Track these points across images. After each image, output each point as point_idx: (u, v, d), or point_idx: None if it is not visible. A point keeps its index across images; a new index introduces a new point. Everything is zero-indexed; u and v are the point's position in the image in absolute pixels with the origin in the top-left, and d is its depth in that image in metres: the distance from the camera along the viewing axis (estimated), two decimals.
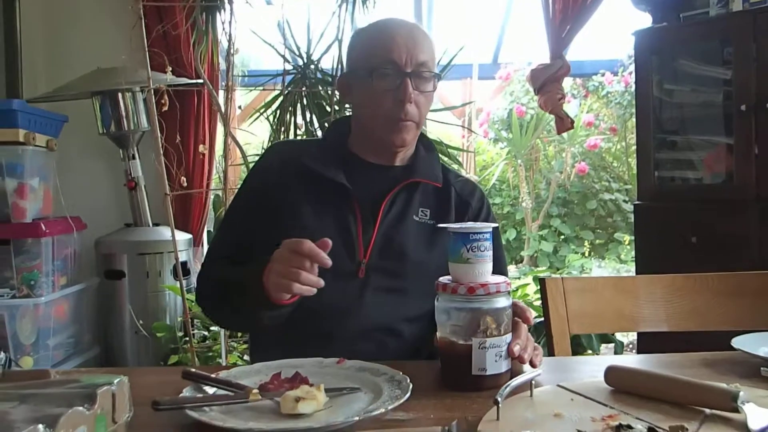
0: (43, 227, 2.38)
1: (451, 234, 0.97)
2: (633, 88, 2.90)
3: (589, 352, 2.74)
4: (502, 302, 0.94)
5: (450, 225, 1.00)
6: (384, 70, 1.23)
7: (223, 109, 2.74)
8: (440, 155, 2.59)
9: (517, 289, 3.01)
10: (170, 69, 2.67)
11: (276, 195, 1.27)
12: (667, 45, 2.65)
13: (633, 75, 2.82)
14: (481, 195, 1.37)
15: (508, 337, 0.95)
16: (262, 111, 2.81)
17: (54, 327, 2.43)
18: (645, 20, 2.74)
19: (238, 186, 1.45)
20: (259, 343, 1.32)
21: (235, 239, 1.30)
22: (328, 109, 2.65)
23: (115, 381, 0.76)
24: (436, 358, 1.27)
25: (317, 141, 1.42)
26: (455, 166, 2.66)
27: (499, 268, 1.30)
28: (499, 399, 0.79)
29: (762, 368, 0.83)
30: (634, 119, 2.81)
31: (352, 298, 1.20)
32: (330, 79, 2.66)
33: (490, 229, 0.98)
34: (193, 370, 0.98)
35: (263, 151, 1.39)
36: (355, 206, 1.24)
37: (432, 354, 1.26)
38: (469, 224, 0.99)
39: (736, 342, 1.01)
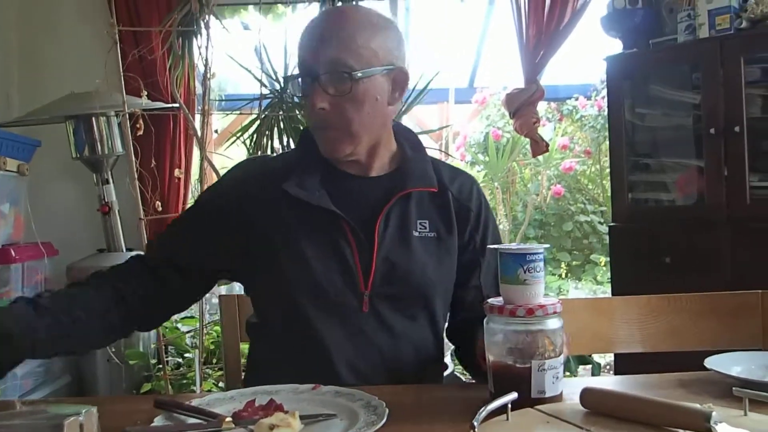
0: (13, 253, 2.34)
1: (506, 255, 0.95)
2: (606, 112, 2.95)
3: (567, 373, 2.75)
4: (557, 323, 0.93)
5: (503, 246, 0.98)
6: (299, 72, 1.12)
7: (199, 133, 2.73)
8: None
9: None
10: (146, 93, 2.65)
11: (256, 219, 1.14)
12: (638, 70, 2.71)
13: (606, 99, 2.87)
14: (479, 194, 1.25)
15: (563, 358, 0.93)
16: (238, 135, 2.80)
17: None
18: (616, 46, 2.80)
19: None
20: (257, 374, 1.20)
21: (172, 254, 1.16)
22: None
23: (83, 411, 0.74)
24: (439, 378, 1.24)
25: (291, 156, 1.24)
26: None
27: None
28: (476, 423, 0.78)
29: (734, 388, 0.84)
30: (607, 142, 2.85)
31: (358, 336, 1.10)
32: None
33: (543, 250, 0.95)
34: (166, 398, 0.96)
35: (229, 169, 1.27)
36: (346, 229, 1.12)
37: (436, 374, 1.22)
38: (525, 245, 0.96)
39: (709, 362, 1.02)
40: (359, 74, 1.08)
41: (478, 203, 1.24)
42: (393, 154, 1.21)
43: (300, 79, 1.13)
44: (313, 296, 1.11)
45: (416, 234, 1.15)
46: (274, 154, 1.33)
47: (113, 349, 2.63)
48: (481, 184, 5.40)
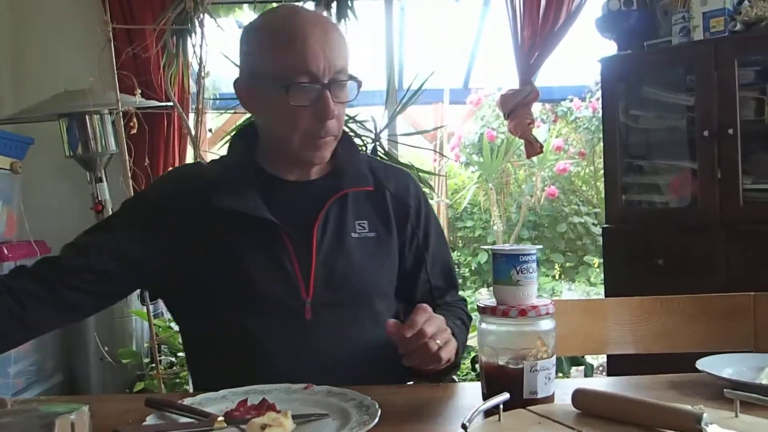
0: (6, 251, 2.33)
1: (499, 256, 0.95)
2: (600, 114, 2.96)
3: (559, 374, 2.75)
4: (550, 324, 0.93)
5: (497, 247, 0.99)
6: (300, 84, 1.05)
7: (193, 132, 2.72)
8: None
9: None
10: (140, 91, 2.65)
11: (180, 238, 1.10)
12: (633, 72, 2.72)
13: (600, 101, 2.88)
14: (416, 189, 1.24)
15: (554, 359, 0.93)
16: (233, 134, 2.79)
17: (15, 354, 2.36)
18: (611, 48, 2.81)
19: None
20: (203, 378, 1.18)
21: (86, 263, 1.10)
22: None
23: (75, 410, 0.74)
24: (404, 378, 1.22)
25: (222, 164, 1.18)
26: (427, 190, 2.67)
27: (449, 268, 1.28)
28: (468, 423, 0.78)
29: (725, 390, 0.84)
30: (601, 144, 2.86)
31: (303, 343, 1.08)
32: None
33: (536, 251, 0.95)
34: (157, 397, 0.95)
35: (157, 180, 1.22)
36: (285, 238, 1.09)
37: (399, 375, 1.17)
38: (518, 246, 0.96)
39: (701, 364, 1.02)
40: (359, 80, 1.10)
41: (417, 199, 1.23)
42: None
43: (291, 87, 1.06)
44: (255, 309, 1.10)
45: (355, 235, 1.14)
46: (210, 161, 1.28)
47: (106, 348, 2.63)
48: (475, 185, 5.37)
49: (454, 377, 2.70)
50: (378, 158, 2.46)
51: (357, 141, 2.55)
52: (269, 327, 1.09)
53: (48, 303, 1.07)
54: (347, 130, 2.57)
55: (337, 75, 1.07)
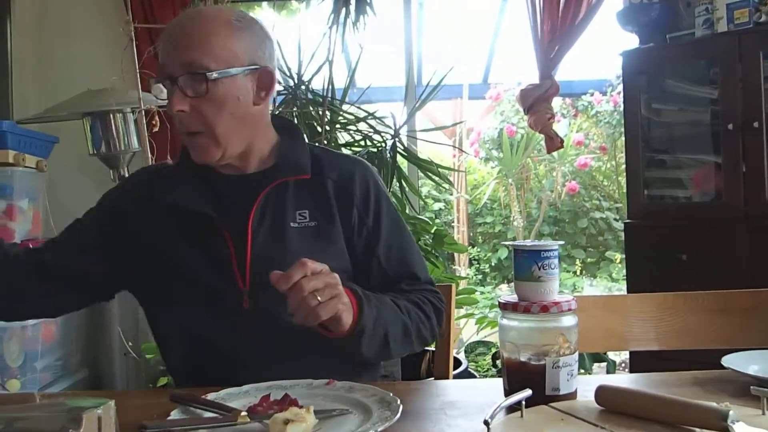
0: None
1: (521, 252, 0.95)
2: (622, 108, 2.93)
3: (582, 371, 2.74)
4: (572, 320, 0.93)
5: (518, 242, 0.97)
6: (160, 76, 1.11)
7: None
8: (430, 174, 2.61)
9: None
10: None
11: (131, 232, 1.17)
12: (655, 65, 2.69)
13: (621, 95, 2.85)
14: (364, 177, 1.20)
15: (576, 355, 0.93)
16: None
17: (41, 349, 2.40)
18: (632, 41, 2.77)
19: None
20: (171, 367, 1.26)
21: (66, 250, 1.19)
22: (319, 129, 2.65)
23: (102, 404, 0.75)
24: (346, 368, 1.16)
25: (172, 164, 1.26)
26: (446, 186, 2.66)
27: (407, 257, 1.22)
28: (490, 420, 0.78)
29: (752, 387, 0.83)
30: (623, 138, 2.83)
31: (247, 334, 1.10)
32: (321, 100, 2.67)
33: (558, 247, 0.95)
34: (182, 392, 0.97)
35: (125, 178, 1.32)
36: (223, 231, 1.12)
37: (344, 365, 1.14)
38: (539, 242, 0.96)
39: (726, 361, 1.01)
40: (215, 74, 1.08)
41: (364, 186, 1.20)
42: (272, 148, 1.20)
43: (161, 84, 1.12)
44: (197, 301, 1.12)
45: (294, 225, 1.14)
46: (165, 162, 1.34)
47: (130, 344, 2.66)
48: (495, 181, 5.37)
49: (476, 373, 2.68)
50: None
51: (376, 137, 2.55)
52: (211, 317, 1.12)
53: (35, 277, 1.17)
54: (366, 126, 2.58)
55: (188, 68, 1.08)
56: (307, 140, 1.27)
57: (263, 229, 1.14)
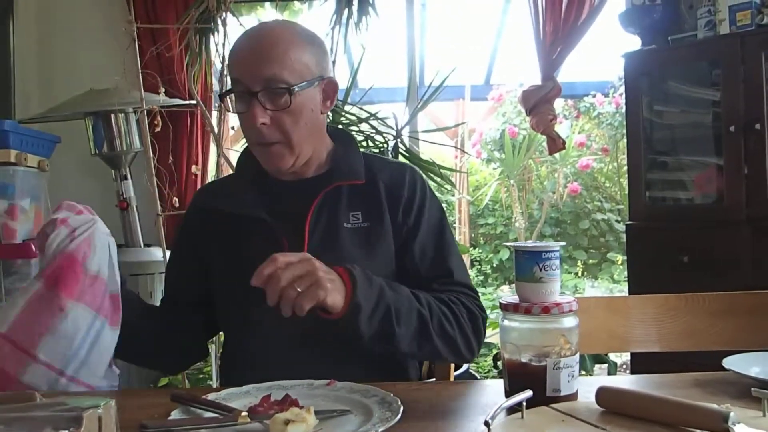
0: (34, 248, 2.36)
1: (522, 252, 0.95)
2: (624, 109, 2.93)
3: (583, 372, 2.74)
4: (573, 321, 0.93)
5: (519, 243, 0.97)
6: (235, 90, 1.16)
7: (216, 130, 2.75)
8: (432, 175, 2.60)
9: None
10: (163, 90, 2.68)
11: (203, 243, 1.25)
12: (657, 67, 2.69)
13: (623, 96, 2.85)
14: (413, 181, 1.25)
15: (578, 357, 0.92)
16: None
17: None
18: (634, 43, 2.77)
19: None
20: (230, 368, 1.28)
21: (181, 284, 1.30)
22: None
23: (102, 404, 0.75)
24: (411, 371, 1.24)
25: (229, 176, 1.37)
26: (448, 187, 2.66)
27: (441, 259, 1.22)
28: (490, 421, 0.78)
29: (753, 389, 0.83)
30: (625, 140, 2.83)
31: (299, 331, 1.10)
32: None
33: (559, 248, 0.95)
34: (182, 392, 0.97)
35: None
36: (280, 235, 1.17)
37: (398, 367, 1.22)
38: (541, 243, 0.96)
39: (728, 362, 1.01)
40: (295, 88, 1.13)
41: (412, 189, 1.24)
42: (328, 154, 1.26)
43: (234, 96, 1.17)
44: (256, 302, 1.10)
45: (347, 226, 1.19)
46: (223, 177, 1.44)
47: None
48: (496, 182, 5.36)
49: (477, 374, 2.68)
50: (388, 156, 2.45)
51: (378, 138, 2.55)
52: (271, 323, 1.12)
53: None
54: (368, 127, 2.58)
55: (268, 83, 1.13)
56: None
57: (318, 231, 1.18)
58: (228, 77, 1.23)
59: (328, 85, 1.21)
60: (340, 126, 2.54)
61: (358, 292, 1.03)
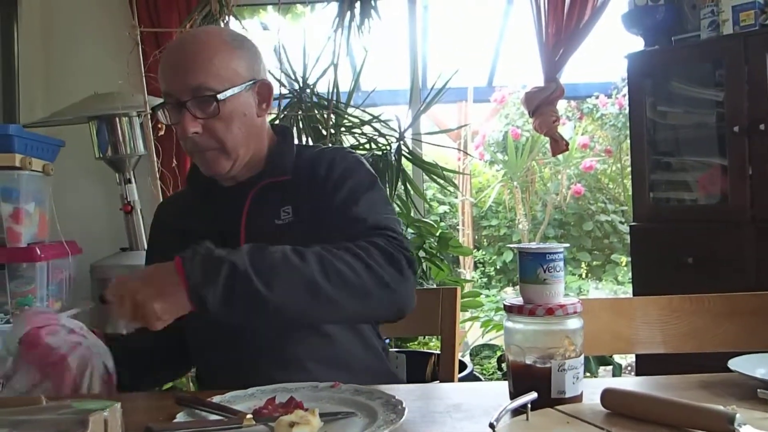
0: (38, 252, 2.37)
1: (526, 254, 0.95)
2: (627, 110, 2.92)
3: (588, 374, 2.73)
4: (577, 323, 0.92)
5: (523, 245, 0.98)
6: (167, 102, 1.16)
7: None
8: (435, 177, 2.60)
9: None
10: None
11: (163, 257, 1.20)
12: (660, 68, 2.68)
13: (627, 97, 2.84)
14: (332, 159, 1.21)
15: (582, 358, 0.92)
16: None
17: None
18: (637, 43, 2.77)
19: None
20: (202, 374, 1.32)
21: None
22: (324, 132, 2.66)
23: (108, 407, 0.76)
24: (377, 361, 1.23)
25: (185, 187, 1.36)
26: (451, 189, 2.66)
27: (360, 212, 1.14)
28: (495, 423, 0.78)
29: (759, 390, 0.82)
30: (628, 141, 2.82)
31: (241, 334, 1.13)
32: (326, 103, 2.68)
33: (563, 249, 0.94)
34: (187, 395, 0.97)
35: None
36: (222, 242, 1.09)
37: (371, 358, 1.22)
38: (544, 245, 0.96)
39: (733, 363, 1.00)
40: (222, 96, 1.13)
41: (330, 166, 1.20)
42: (265, 154, 1.25)
43: (165, 108, 1.17)
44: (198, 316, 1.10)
45: (279, 222, 1.18)
46: (179, 191, 1.54)
47: None
48: (500, 184, 5.32)
49: (481, 376, 2.67)
50: (391, 158, 2.45)
51: (381, 140, 2.55)
52: (214, 331, 1.16)
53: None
54: (371, 129, 2.59)
55: (196, 92, 1.13)
56: (311, 143, 1.30)
57: (253, 233, 1.17)
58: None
59: (262, 87, 1.20)
60: (342, 129, 2.55)
61: (193, 282, 0.97)
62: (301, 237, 1.12)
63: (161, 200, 2.53)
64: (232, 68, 1.15)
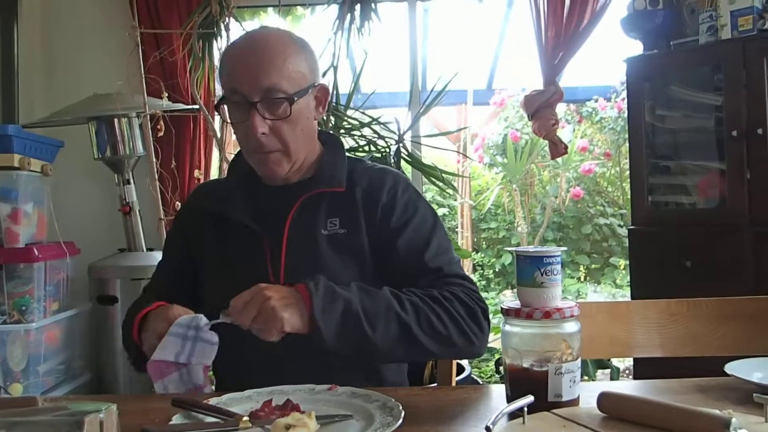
0: (36, 252, 2.37)
1: (523, 257, 0.95)
2: (626, 114, 2.93)
3: (585, 377, 2.73)
4: (575, 326, 0.93)
5: (521, 248, 0.97)
6: (232, 100, 1.16)
7: (218, 135, 2.76)
8: (434, 179, 2.60)
9: None
10: (166, 95, 2.68)
11: (193, 240, 1.27)
12: (659, 72, 2.69)
13: (626, 101, 2.85)
14: (393, 185, 1.23)
15: (579, 362, 0.92)
16: None
17: (45, 353, 2.41)
18: (636, 47, 2.77)
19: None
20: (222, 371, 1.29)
21: (168, 279, 1.32)
22: None
23: (104, 408, 0.75)
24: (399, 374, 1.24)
25: (222, 179, 1.40)
26: (450, 191, 2.66)
27: (425, 256, 1.18)
28: (492, 426, 0.78)
29: (755, 394, 0.82)
30: (627, 144, 2.83)
31: (284, 341, 1.09)
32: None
33: (560, 253, 0.95)
34: (184, 397, 0.97)
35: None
36: (262, 239, 1.19)
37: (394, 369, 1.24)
38: (542, 248, 0.96)
39: (729, 368, 1.00)
40: (295, 98, 1.15)
41: (392, 192, 1.22)
42: (316, 159, 1.27)
43: (228, 105, 1.18)
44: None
45: (325, 232, 1.19)
46: (216, 178, 1.44)
47: None
48: (499, 187, 5.34)
49: (479, 379, 2.66)
50: (390, 161, 2.46)
51: (380, 142, 2.55)
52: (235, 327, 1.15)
53: None
54: (370, 132, 2.58)
55: (268, 93, 1.14)
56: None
57: (297, 237, 1.19)
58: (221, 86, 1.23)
59: (320, 91, 1.22)
60: (342, 131, 2.55)
61: (316, 311, 1.02)
62: (342, 251, 1.18)
63: (159, 201, 2.54)
64: (300, 71, 1.16)
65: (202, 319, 1.07)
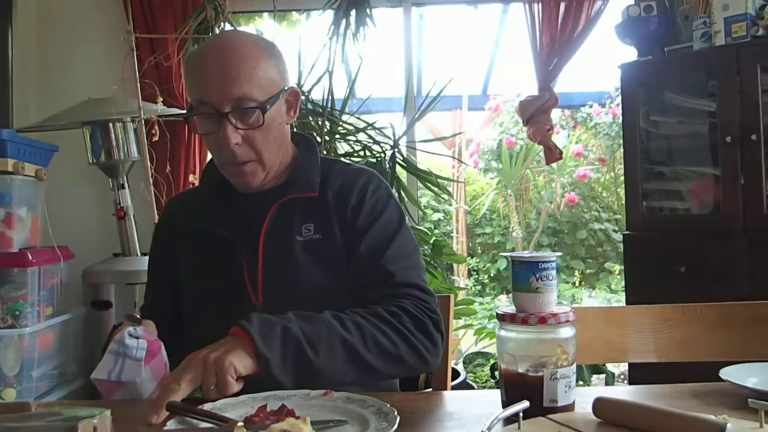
0: (30, 257, 2.36)
1: (518, 263, 0.94)
2: (620, 120, 2.94)
3: (581, 383, 2.73)
4: (570, 331, 0.92)
5: (516, 253, 0.97)
6: (202, 112, 1.11)
7: None
8: (429, 185, 2.60)
9: None
10: (161, 99, 2.68)
11: (170, 255, 1.26)
12: (653, 78, 2.70)
13: (620, 107, 2.86)
14: (364, 186, 1.20)
15: (575, 367, 0.92)
16: None
17: (38, 358, 2.40)
18: (631, 54, 2.79)
19: None
20: None
21: (155, 297, 1.30)
22: (319, 139, 2.66)
23: (97, 414, 0.75)
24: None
25: (196, 188, 1.35)
26: (445, 196, 2.66)
27: (393, 264, 1.14)
28: (487, 431, 0.78)
29: (750, 400, 0.83)
30: (622, 150, 2.84)
31: None
32: (321, 110, 2.69)
33: (556, 258, 0.94)
34: (178, 402, 0.96)
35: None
36: (237, 249, 1.16)
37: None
38: (537, 253, 0.95)
39: (725, 373, 1.01)
40: (267, 106, 1.11)
41: (361, 194, 1.20)
42: (289, 162, 1.23)
43: (197, 117, 1.13)
44: (213, 318, 1.12)
45: (300, 238, 1.16)
46: (190, 188, 1.48)
47: None
48: (494, 192, 5.35)
49: (474, 384, 2.66)
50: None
51: (375, 148, 2.56)
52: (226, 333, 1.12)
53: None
54: (365, 137, 2.59)
55: (239, 103, 1.09)
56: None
57: (273, 245, 1.16)
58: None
59: (291, 94, 1.19)
60: (337, 136, 2.55)
61: (257, 342, 0.98)
62: (319, 257, 1.15)
63: (154, 206, 2.53)
64: (271, 77, 1.13)
65: (125, 336, 1.06)
